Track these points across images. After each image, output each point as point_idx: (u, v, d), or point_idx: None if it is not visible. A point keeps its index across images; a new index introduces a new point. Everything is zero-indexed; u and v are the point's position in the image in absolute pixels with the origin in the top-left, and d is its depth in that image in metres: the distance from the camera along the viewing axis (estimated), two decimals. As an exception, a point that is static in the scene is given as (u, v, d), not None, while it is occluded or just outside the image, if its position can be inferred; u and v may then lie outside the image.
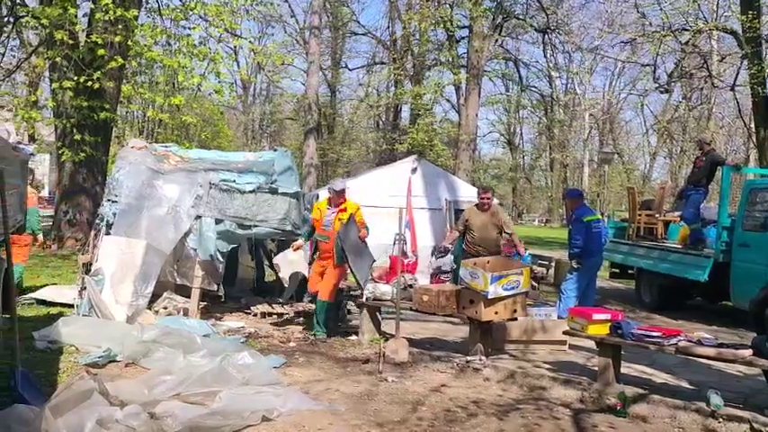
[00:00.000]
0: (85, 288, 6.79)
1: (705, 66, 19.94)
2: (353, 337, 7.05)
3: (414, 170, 12.08)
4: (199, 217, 7.32)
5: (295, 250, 7.64)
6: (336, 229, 6.92)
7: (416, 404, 5.00)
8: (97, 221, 7.61)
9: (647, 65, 22.60)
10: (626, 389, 5.13)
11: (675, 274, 9.61)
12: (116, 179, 7.53)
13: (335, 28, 35.38)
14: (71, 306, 7.21)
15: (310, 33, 22.95)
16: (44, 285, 8.63)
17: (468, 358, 6.08)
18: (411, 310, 6.73)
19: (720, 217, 9.05)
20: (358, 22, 36.37)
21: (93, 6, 12.55)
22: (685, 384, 5.74)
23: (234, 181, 7.54)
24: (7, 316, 4.62)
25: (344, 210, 7.02)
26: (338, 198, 7.12)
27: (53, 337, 5.89)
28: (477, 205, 8.03)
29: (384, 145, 32.27)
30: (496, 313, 6.02)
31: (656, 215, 11.38)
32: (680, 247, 10.02)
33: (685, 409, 4.83)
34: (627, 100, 43.68)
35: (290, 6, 35.04)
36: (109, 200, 7.46)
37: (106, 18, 11.63)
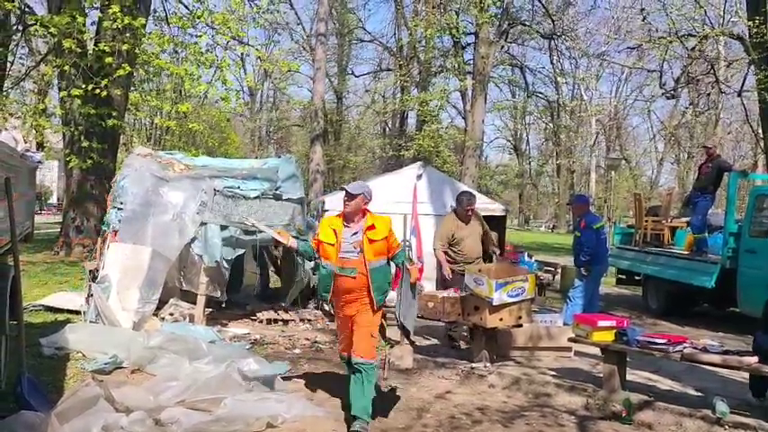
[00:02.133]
0: (92, 295, 6.84)
1: (712, 71, 19.87)
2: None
3: (419, 176, 12.03)
4: (204, 224, 7.36)
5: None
6: (368, 256, 4.59)
7: (421, 411, 5.00)
8: (103, 228, 7.67)
9: (654, 71, 22.57)
10: (631, 396, 5.11)
11: (682, 281, 9.58)
12: (121, 186, 7.58)
13: (342, 35, 35.51)
14: (78, 313, 7.25)
15: (317, 40, 23.02)
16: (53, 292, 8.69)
17: (473, 365, 6.08)
18: (416, 316, 6.71)
19: (727, 223, 9.02)
20: (364, 29, 36.42)
21: (100, 15, 12.65)
22: (691, 391, 5.72)
23: (238, 187, 7.57)
24: (14, 322, 4.65)
25: (373, 227, 4.65)
26: (352, 205, 4.69)
27: (60, 343, 5.93)
28: (457, 216, 7.27)
29: (390, 151, 32.30)
30: (501, 320, 6.01)
31: (663, 221, 11.35)
32: (687, 253, 9.99)
33: (691, 416, 4.81)
34: (634, 106, 43.66)
35: (296, 14, 35.21)
36: (114, 207, 7.51)
37: (114, 26, 11.72)
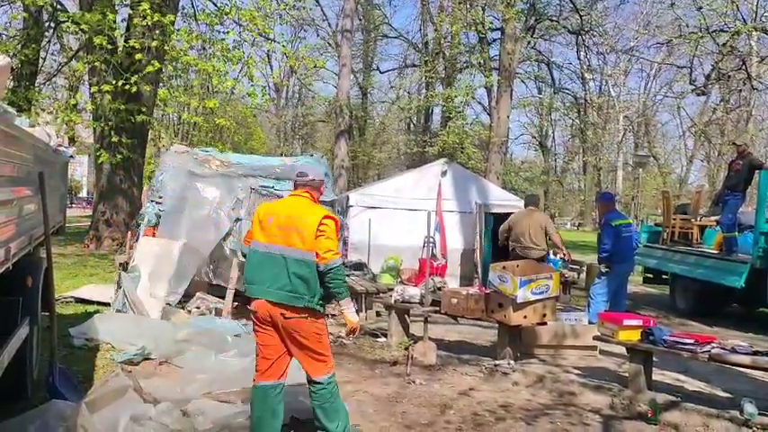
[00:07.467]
0: (121, 286, 6.97)
1: (744, 67, 19.47)
2: (382, 339, 7.09)
3: (444, 173, 12.05)
4: (239, 220, 7.54)
5: None
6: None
7: (444, 407, 5.01)
8: (138, 221, 7.88)
9: (684, 67, 22.19)
10: (657, 396, 5.06)
11: (711, 280, 9.42)
12: (160, 181, 7.83)
13: (367, 31, 35.51)
14: (108, 305, 7.40)
15: (342, 36, 23.07)
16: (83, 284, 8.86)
17: (497, 362, 6.06)
18: (439, 312, 6.72)
19: (758, 222, 8.84)
20: (390, 25, 36.43)
21: (131, 12, 12.83)
22: (719, 392, 5.64)
23: (272, 187, 7.84)
24: (46, 313, 4.75)
25: None
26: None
27: (89, 334, 6.04)
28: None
29: (415, 147, 32.30)
30: (525, 317, 5.99)
31: (692, 220, 11.18)
32: (716, 252, 9.83)
33: (718, 417, 4.74)
34: (663, 102, 42.85)
35: (322, 10, 35.32)
36: (152, 200, 7.75)
37: (144, 23, 11.88)
